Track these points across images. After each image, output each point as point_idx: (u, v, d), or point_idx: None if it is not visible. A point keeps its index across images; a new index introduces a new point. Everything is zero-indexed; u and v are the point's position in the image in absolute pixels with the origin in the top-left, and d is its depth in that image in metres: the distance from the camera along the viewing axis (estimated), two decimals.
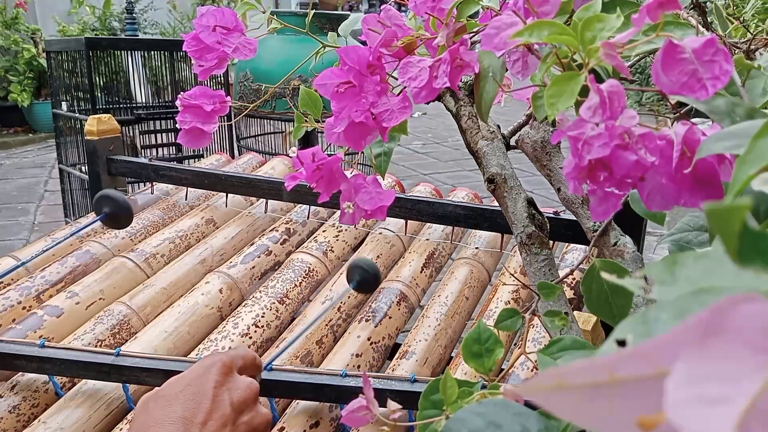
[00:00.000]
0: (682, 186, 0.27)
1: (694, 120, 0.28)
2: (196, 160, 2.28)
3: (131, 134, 2.30)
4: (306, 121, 0.48)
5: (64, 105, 2.29)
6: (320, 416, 0.65)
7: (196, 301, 0.81)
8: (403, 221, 1.00)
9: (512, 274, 0.57)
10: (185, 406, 0.45)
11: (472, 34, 0.39)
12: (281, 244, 0.97)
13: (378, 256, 0.95)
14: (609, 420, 0.12)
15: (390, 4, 0.42)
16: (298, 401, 0.66)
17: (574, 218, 0.55)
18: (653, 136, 0.27)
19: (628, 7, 0.33)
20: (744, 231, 0.14)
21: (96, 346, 0.73)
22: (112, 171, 1.08)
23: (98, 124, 1.07)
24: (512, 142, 0.58)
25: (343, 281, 0.86)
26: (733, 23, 0.52)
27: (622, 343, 0.14)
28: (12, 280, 0.86)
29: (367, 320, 0.79)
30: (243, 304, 0.82)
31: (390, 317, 0.81)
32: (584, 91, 0.27)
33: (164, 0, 5.86)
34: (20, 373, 0.68)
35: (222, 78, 2.32)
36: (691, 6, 0.44)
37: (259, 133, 2.64)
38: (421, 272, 0.91)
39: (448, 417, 0.38)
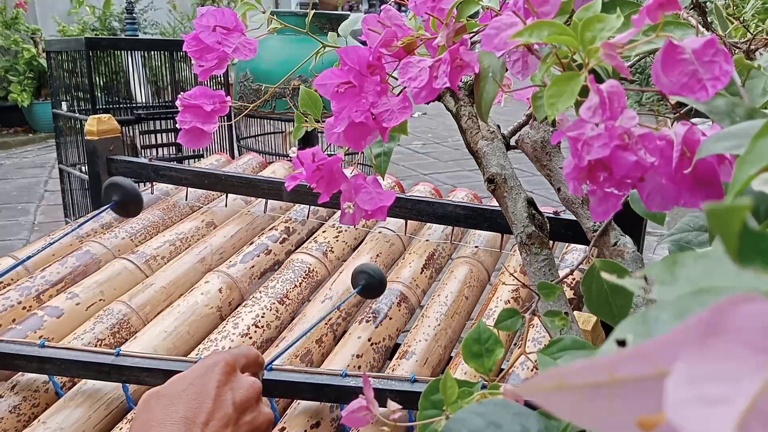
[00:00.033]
0: (682, 186, 0.27)
1: (694, 120, 0.28)
2: (196, 160, 2.28)
3: (131, 134, 2.30)
4: (306, 121, 0.48)
5: (64, 105, 2.29)
6: (321, 416, 0.65)
7: (196, 300, 0.81)
8: (402, 221, 1.00)
9: (512, 274, 0.57)
10: (187, 406, 0.45)
11: (472, 34, 0.39)
12: (281, 243, 0.97)
13: (378, 255, 0.95)
14: (609, 420, 0.12)
15: (390, 4, 0.42)
16: (298, 401, 0.66)
17: (574, 218, 0.55)
18: (653, 137, 0.27)
19: (628, 7, 0.33)
20: (744, 231, 0.14)
21: (96, 346, 0.73)
22: (112, 171, 1.08)
23: (98, 124, 1.07)
24: (512, 142, 0.58)
25: (342, 281, 0.86)
26: (733, 23, 0.52)
27: (622, 343, 0.14)
28: (12, 280, 0.86)
29: (367, 321, 0.79)
30: (243, 304, 0.82)
31: (390, 318, 0.81)
32: (584, 92, 0.27)
33: (164, 0, 5.86)
34: (20, 373, 0.68)
35: (222, 78, 2.32)
36: (691, 6, 0.44)
37: (259, 133, 2.64)
38: (421, 273, 0.91)
39: (448, 417, 0.38)
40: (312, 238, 0.98)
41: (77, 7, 5.35)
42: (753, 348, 0.11)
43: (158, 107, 2.45)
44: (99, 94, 2.24)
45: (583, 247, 0.92)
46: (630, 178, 0.27)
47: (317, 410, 0.65)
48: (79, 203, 2.30)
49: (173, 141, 2.39)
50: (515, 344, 0.81)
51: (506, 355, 0.78)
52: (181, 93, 0.45)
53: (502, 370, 0.48)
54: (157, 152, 2.37)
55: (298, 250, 0.95)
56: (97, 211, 0.99)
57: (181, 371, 0.50)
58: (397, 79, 0.39)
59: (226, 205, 1.07)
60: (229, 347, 0.73)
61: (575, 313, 0.54)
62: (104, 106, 2.29)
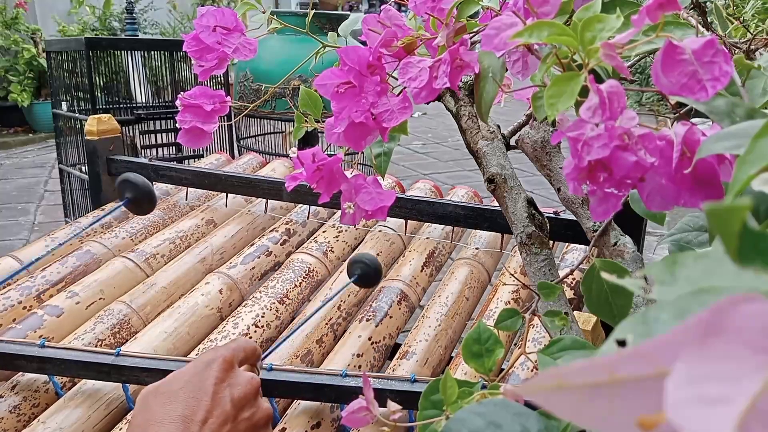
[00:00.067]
0: (682, 186, 0.27)
1: (694, 120, 0.28)
2: (196, 160, 2.28)
3: (131, 134, 2.30)
4: (306, 121, 0.48)
5: (64, 105, 2.29)
6: (321, 417, 0.65)
7: (196, 301, 0.81)
8: (402, 221, 1.00)
9: (512, 274, 0.57)
10: (185, 404, 0.45)
11: (472, 35, 0.39)
12: (281, 244, 0.97)
13: (378, 254, 0.95)
14: (609, 420, 0.12)
15: (390, 4, 0.42)
16: (299, 402, 0.66)
17: (574, 218, 0.55)
18: (653, 137, 0.27)
19: (628, 8, 0.33)
20: (744, 231, 0.14)
21: (96, 346, 0.73)
22: (112, 171, 1.08)
23: (98, 124, 1.07)
24: (512, 142, 0.58)
25: (342, 280, 0.86)
26: (733, 23, 0.52)
27: (622, 343, 0.14)
28: (12, 279, 0.86)
29: (367, 320, 0.79)
30: (243, 304, 0.82)
31: (391, 317, 0.81)
32: (584, 92, 0.27)
33: (164, 0, 5.86)
34: (20, 373, 0.68)
35: (222, 78, 2.32)
36: (691, 6, 0.44)
37: (259, 133, 2.64)
38: (421, 271, 0.91)
39: (448, 417, 0.38)
40: (312, 238, 0.98)
41: (77, 7, 5.35)
42: (753, 348, 0.11)
43: (158, 107, 2.45)
44: (99, 94, 2.24)
45: (583, 247, 0.92)
46: (630, 178, 0.27)
47: (318, 410, 0.65)
48: (79, 203, 2.30)
49: (173, 141, 2.38)
50: (515, 344, 0.81)
51: (506, 355, 0.78)
52: (181, 93, 0.45)
53: (502, 370, 0.48)
54: (157, 152, 2.37)
55: (298, 250, 0.95)
56: (111, 208, 0.99)
57: None
58: (397, 79, 0.39)
59: (226, 205, 1.07)
60: None
61: (575, 313, 0.54)
62: (104, 106, 2.29)
